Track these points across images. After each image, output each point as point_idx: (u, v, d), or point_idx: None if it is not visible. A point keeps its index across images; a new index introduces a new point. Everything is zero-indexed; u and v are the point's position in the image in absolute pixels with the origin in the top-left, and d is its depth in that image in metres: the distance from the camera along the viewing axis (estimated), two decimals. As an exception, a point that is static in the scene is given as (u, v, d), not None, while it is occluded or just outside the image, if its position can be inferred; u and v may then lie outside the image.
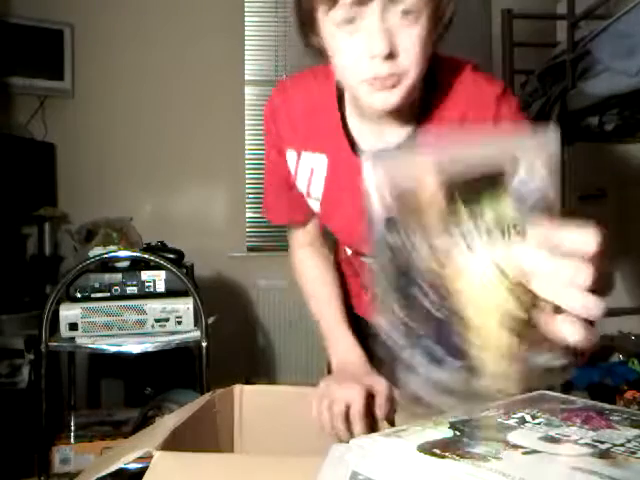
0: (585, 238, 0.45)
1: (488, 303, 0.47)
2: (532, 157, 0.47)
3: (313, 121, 0.93)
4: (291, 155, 0.97)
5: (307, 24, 0.80)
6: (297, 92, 0.95)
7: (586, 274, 0.45)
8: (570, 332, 0.47)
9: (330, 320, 1.04)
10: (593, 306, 0.45)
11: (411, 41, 0.74)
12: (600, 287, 0.46)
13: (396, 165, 0.48)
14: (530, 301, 0.48)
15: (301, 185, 0.98)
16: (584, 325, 0.46)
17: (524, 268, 0.47)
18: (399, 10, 0.72)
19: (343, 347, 1.00)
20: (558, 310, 0.47)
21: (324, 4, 0.74)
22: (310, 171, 0.96)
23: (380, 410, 0.88)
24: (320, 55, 0.83)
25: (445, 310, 0.47)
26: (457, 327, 0.47)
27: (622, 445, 0.45)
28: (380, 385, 0.89)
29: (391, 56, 0.73)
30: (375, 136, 0.89)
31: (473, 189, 0.47)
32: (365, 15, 0.73)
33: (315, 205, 0.99)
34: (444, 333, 0.47)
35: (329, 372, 1.05)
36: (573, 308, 0.46)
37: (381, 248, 0.47)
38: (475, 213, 0.47)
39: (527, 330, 0.48)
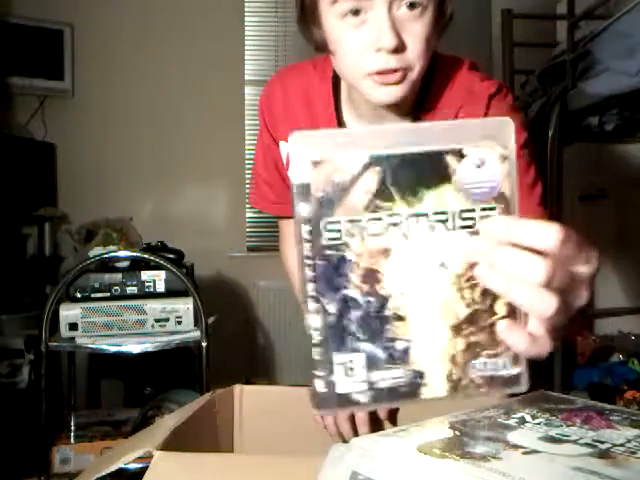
0: (544, 232, 0.42)
1: (429, 300, 0.44)
2: (482, 146, 0.43)
3: (309, 115, 0.92)
4: (284, 146, 0.96)
5: (309, 16, 0.79)
6: (295, 84, 0.93)
7: (540, 269, 0.41)
8: (514, 339, 0.44)
9: None
10: (544, 304, 0.42)
11: (417, 35, 0.73)
12: (568, 288, 0.44)
13: (317, 137, 0.43)
14: (480, 299, 0.44)
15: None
16: (535, 334, 0.44)
17: (471, 260, 0.44)
18: (406, 3, 0.72)
19: None
20: (513, 312, 0.45)
21: None
22: None
23: (383, 410, 0.88)
24: (322, 49, 0.82)
25: (380, 307, 0.44)
26: (395, 326, 0.44)
27: (622, 445, 0.45)
28: None
29: (398, 49, 0.72)
30: None
31: (411, 173, 0.43)
32: (372, 7, 0.71)
33: None
34: (380, 332, 0.44)
35: None
36: (521, 303, 0.43)
37: (299, 231, 0.43)
38: (413, 199, 0.43)
39: (475, 332, 0.45)
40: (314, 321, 0.44)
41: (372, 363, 0.44)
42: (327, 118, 0.91)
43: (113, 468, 0.58)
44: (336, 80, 0.91)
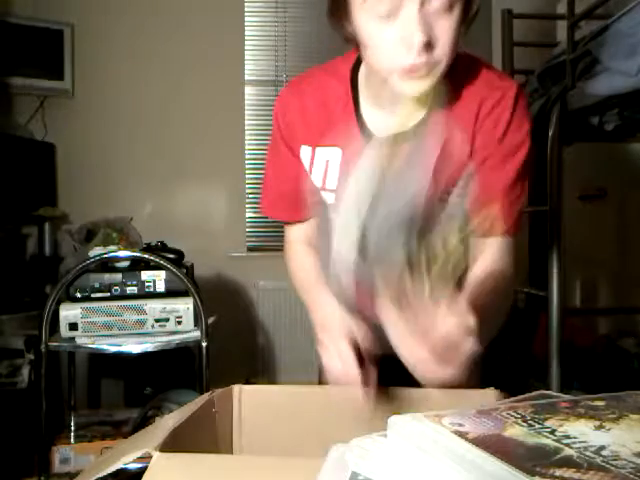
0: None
1: None
2: None
3: (326, 115, 0.94)
4: (305, 151, 0.97)
5: (340, 10, 0.80)
6: (309, 88, 0.96)
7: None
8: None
9: (316, 293, 0.99)
10: None
11: (446, 31, 0.75)
12: None
13: None
14: None
15: (316, 179, 0.98)
16: None
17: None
18: (437, 1, 0.73)
19: (327, 311, 0.93)
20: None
21: None
22: (325, 164, 0.96)
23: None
24: (352, 42, 0.84)
25: None
26: None
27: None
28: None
29: (428, 45, 0.74)
30: (389, 121, 0.88)
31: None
32: (403, 5, 0.73)
33: (330, 197, 0.99)
34: None
35: (320, 382, 1.04)
36: None
37: None
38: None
39: None
40: None
41: None
42: (345, 115, 0.92)
43: (113, 468, 0.58)
44: (352, 77, 0.93)
